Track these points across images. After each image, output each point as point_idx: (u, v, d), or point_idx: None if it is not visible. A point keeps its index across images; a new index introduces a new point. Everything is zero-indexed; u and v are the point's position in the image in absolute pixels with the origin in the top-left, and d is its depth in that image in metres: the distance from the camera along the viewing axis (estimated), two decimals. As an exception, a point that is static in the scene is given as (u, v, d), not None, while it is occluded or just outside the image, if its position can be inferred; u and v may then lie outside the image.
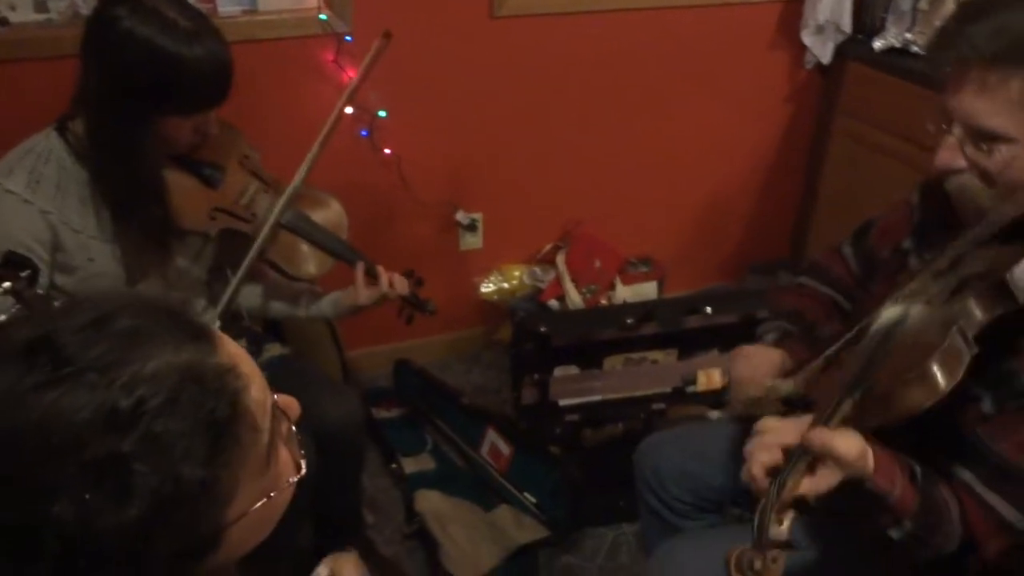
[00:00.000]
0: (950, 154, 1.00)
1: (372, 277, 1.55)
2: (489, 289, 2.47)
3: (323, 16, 1.97)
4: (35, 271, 1.09)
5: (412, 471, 2.11)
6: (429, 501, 1.97)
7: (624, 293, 2.42)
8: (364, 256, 1.57)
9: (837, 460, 0.93)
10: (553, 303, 2.38)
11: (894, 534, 1.01)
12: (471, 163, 2.32)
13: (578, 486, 1.97)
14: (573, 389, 2.14)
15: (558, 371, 2.11)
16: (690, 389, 2.21)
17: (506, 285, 2.46)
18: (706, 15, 2.31)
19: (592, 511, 2.02)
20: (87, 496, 0.49)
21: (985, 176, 0.99)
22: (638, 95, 2.37)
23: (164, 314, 0.57)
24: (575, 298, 2.37)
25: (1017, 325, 0.96)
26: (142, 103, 1.24)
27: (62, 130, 1.32)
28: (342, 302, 1.58)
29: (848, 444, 0.93)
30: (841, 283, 1.39)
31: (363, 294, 1.53)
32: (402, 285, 1.55)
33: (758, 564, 0.88)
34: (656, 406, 2.19)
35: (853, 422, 0.97)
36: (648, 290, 2.44)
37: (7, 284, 1.03)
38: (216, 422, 0.53)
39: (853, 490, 0.97)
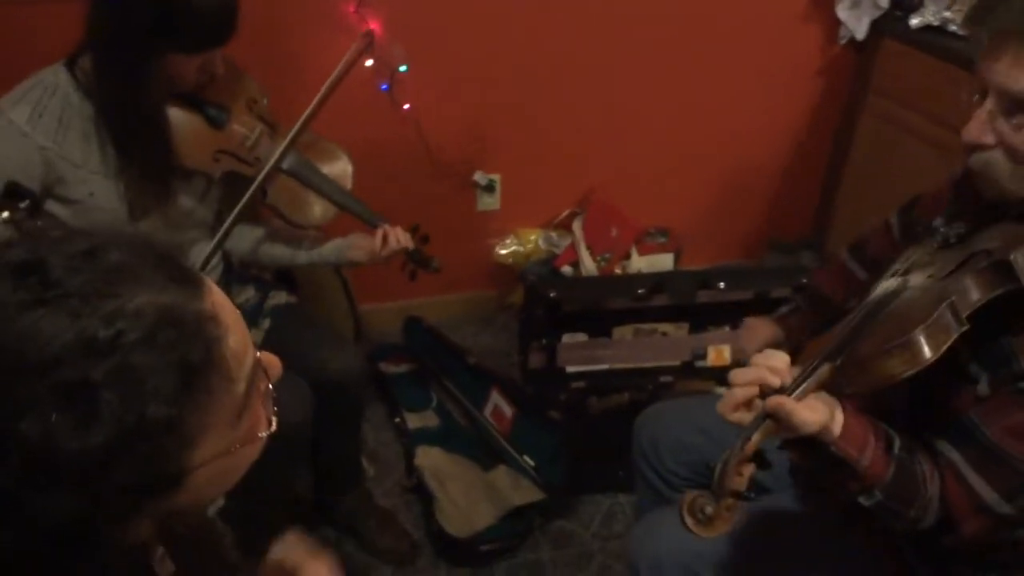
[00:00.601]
0: (979, 128, 0.98)
1: (374, 229, 1.55)
2: (505, 252, 2.46)
3: (345, -36, 1.96)
4: (36, 202, 1.11)
5: (415, 427, 2.13)
6: (430, 457, 1.99)
7: (639, 263, 2.39)
8: (368, 208, 1.57)
9: (795, 429, 0.93)
10: (567, 269, 2.37)
11: (864, 501, 1.01)
12: (491, 124, 2.30)
13: (576, 452, 1.97)
14: (581, 356, 2.13)
15: (566, 337, 2.11)
16: (699, 364, 2.21)
17: (522, 249, 2.45)
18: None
19: (590, 478, 2.03)
20: (54, 417, 0.50)
21: (1013, 154, 0.97)
22: (664, 61, 2.33)
23: (154, 255, 0.57)
24: (589, 265, 2.35)
25: (1017, 307, 0.93)
26: (146, 40, 1.25)
27: (71, 65, 1.33)
28: (344, 251, 1.59)
29: (808, 416, 0.93)
30: (875, 260, 1.38)
31: (364, 245, 1.54)
32: (405, 239, 1.55)
33: (709, 509, 0.89)
34: (664, 379, 2.18)
35: (829, 387, 0.97)
36: (664, 261, 2.42)
37: (6, 214, 1.05)
38: (188, 365, 0.54)
39: (819, 452, 0.98)
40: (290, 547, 0.92)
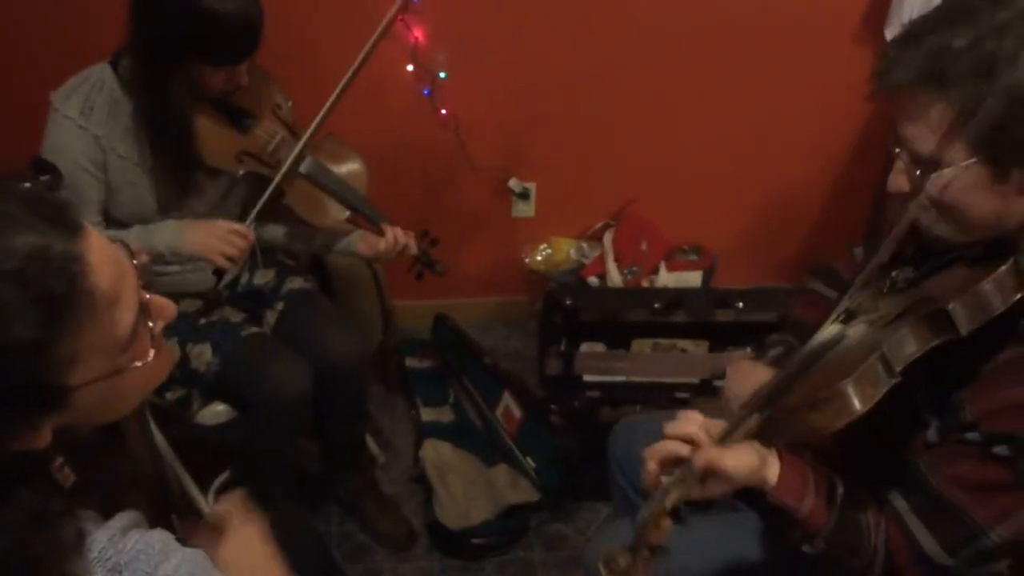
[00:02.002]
0: (899, 179, 0.99)
1: (382, 231, 1.63)
2: (537, 259, 2.51)
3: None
4: (57, 178, 1.24)
5: (428, 420, 2.20)
6: (436, 450, 2.05)
7: (667, 279, 2.40)
8: (377, 211, 1.65)
9: (725, 478, 0.93)
10: (593, 280, 2.39)
11: (807, 549, 1.01)
12: (529, 132, 2.36)
13: (578, 459, 2.00)
14: (598, 366, 2.16)
15: (585, 347, 2.14)
16: (718, 383, 2.19)
17: (554, 257, 2.50)
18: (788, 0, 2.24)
19: (592, 486, 2.05)
20: None
21: (928, 200, 0.96)
22: (708, 76, 2.33)
23: (40, 205, 0.67)
24: (615, 277, 2.37)
25: (970, 355, 0.93)
26: (173, 52, 1.38)
27: (115, 63, 1.47)
28: (352, 244, 1.69)
29: (737, 462, 0.93)
30: (847, 285, 1.36)
31: (370, 242, 1.63)
32: (409, 243, 1.64)
33: (623, 562, 0.89)
34: (680, 395, 2.18)
35: (759, 437, 0.97)
36: (692, 279, 2.41)
37: (27, 185, 1.17)
38: (51, 297, 0.63)
39: (759, 500, 0.98)
40: (231, 503, 0.99)
